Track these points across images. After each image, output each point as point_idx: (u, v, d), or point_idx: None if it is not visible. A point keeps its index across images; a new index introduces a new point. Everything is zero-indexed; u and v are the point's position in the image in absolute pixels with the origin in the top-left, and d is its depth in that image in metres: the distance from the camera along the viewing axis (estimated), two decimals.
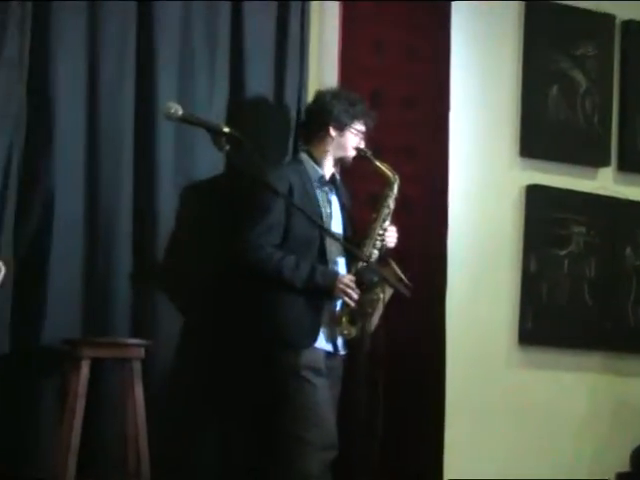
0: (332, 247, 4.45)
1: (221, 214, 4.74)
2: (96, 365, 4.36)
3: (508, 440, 5.38)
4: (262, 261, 4.35)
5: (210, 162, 4.74)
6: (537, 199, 5.54)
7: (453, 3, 5.19)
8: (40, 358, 4.44)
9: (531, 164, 5.56)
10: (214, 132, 3.78)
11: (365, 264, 4.33)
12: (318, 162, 4.57)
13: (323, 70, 5.15)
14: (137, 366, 4.40)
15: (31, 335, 4.44)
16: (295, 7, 5.00)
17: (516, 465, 5.34)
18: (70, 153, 4.55)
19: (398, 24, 5.16)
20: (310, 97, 4.86)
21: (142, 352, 4.41)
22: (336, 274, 4.40)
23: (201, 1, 4.82)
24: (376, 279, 4.32)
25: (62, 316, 4.49)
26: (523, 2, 5.55)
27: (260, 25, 4.95)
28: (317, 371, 4.34)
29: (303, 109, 4.91)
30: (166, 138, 4.70)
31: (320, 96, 4.62)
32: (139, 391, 4.39)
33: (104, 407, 4.49)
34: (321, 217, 4.47)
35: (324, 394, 4.34)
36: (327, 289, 4.36)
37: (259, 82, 4.93)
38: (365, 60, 5.14)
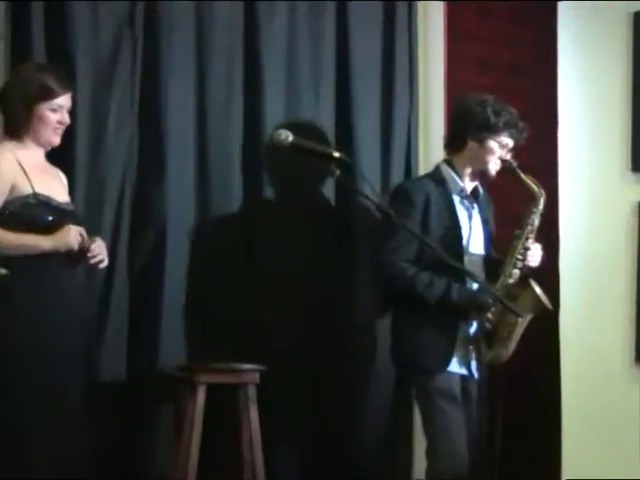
0: (471, 264, 4.22)
1: (333, 237, 4.76)
2: (211, 390, 4.39)
3: (627, 458, 5.26)
4: (395, 277, 4.16)
5: (320, 185, 4.75)
6: None
7: (559, 3, 5.10)
8: (156, 384, 4.51)
9: None
10: (324, 158, 3.78)
11: (481, 284, 4.12)
12: (459, 173, 4.31)
13: (429, 65, 5.12)
14: (252, 391, 4.42)
15: (147, 361, 4.51)
16: (401, 25, 5.00)
17: None
18: (181, 179, 4.62)
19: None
20: (420, 120, 4.85)
21: (257, 377, 4.43)
22: (473, 292, 4.16)
23: (306, 17, 4.85)
24: (490, 301, 4.11)
25: (176, 342, 4.55)
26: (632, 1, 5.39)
27: (366, 42, 4.95)
28: (450, 396, 4.14)
29: (413, 126, 4.88)
30: (274, 160, 4.70)
31: (464, 102, 4.35)
32: (254, 416, 4.41)
33: (220, 432, 4.52)
34: (458, 233, 4.24)
35: (456, 421, 4.14)
36: (463, 308, 4.14)
37: (366, 99, 4.92)
38: (469, 75, 5.09)
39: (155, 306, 4.52)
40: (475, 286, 4.18)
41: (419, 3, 5.06)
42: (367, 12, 4.94)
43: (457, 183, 4.30)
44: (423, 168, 5.01)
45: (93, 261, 3.94)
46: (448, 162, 4.34)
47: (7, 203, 3.84)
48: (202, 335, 4.60)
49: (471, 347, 4.17)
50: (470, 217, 4.32)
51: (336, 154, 3.76)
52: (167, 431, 4.51)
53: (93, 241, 3.94)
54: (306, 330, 4.72)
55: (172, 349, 4.53)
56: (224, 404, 4.50)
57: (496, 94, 5.04)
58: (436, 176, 4.32)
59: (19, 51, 4.38)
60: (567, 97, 5.21)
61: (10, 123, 3.95)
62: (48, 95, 3.91)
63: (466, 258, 4.22)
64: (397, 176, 4.95)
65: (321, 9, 4.86)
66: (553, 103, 5.13)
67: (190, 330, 4.58)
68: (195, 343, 4.59)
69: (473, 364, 4.23)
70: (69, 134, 4.27)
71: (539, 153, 5.13)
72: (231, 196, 4.70)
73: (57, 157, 4.25)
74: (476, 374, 4.26)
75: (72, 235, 3.87)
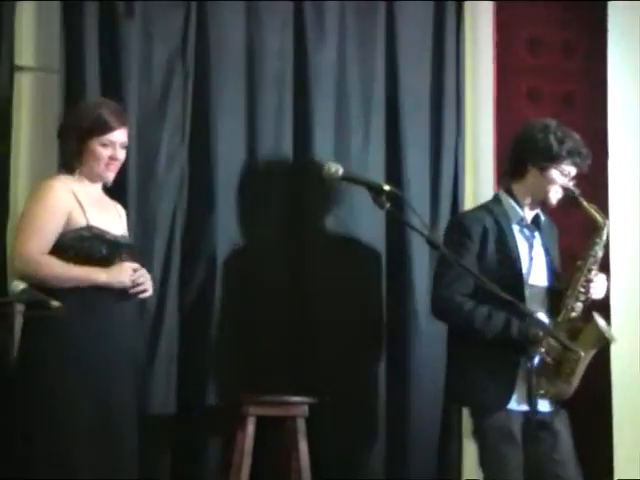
0: (532, 297, 4.07)
1: (383, 269, 4.77)
2: (260, 422, 4.40)
3: None
4: (452, 311, 4.05)
5: (370, 219, 4.74)
6: None
7: (609, 34, 5.06)
8: (206, 416, 4.51)
9: None
10: (375, 190, 3.77)
11: (530, 317, 3.91)
12: (519, 202, 4.17)
13: (478, 72, 5.09)
14: (301, 424, 4.41)
15: (197, 393, 4.51)
16: (450, 55, 5.00)
17: None
18: (231, 212, 4.64)
19: (553, 22, 5.07)
20: (468, 152, 4.83)
21: (306, 410, 4.43)
22: (528, 326, 3.97)
23: (356, 48, 4.85)
24: (540, 334, 3.96)
25: (226, 373, 4.56)
26: None
27: (415, 73, 4.95)
28: (508, 436, 4.00)
29: (460, 158, 4.87)
30: (323, 193, 4.72)
31: (528, 129, 4.19)
32: (304, 449, 4.41)
33: (269, 464, 4.52)
34: (517, 264, 4.09)
35: (513, 462, 4.00)
36: (523, 343, 3.96)
37: (415, 130, 4.91)
38: (519, 105, 5.06)
39: (205, 337, 4.54)
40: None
41: (468, 33, 5.06)
42: (416, 43, 4.96)
43: (517, 212, 4.18)
44: (471, 199, 5.01)
45: (133, 291, 3.93)
46: (508, 190, 4.22)
47: (62, 235, 3.86)
48: (252, 367, 4.60)
49: (533, 383, 3.99)
50: (531, 247, 4.18)
51: (386, 187, 3.74)
52: (217, 463, 4.51)
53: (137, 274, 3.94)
54: (356, 362, 4.71)
55: (222, 381, 4.54)
56: (274, 436, 4.50)
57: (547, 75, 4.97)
58: (494, 206, 4.21)
59: (73, 85, 4.42)
60: (617, 129, 5.17)
61: (65, 157, 3.99)
62: (100, 130, 3.93)
63: (527, 290, 4.09)
64: (445, 208, 4.94)
65: (370, 39, 4.88)
66: (604, 134, 5.10)
67: (240, 362, 4.59)
68: (245, 375, 4.59)
69: (537, 400, 4.02)
70: (120, 168, 4.32)
71: (590, 185, 5.10)
72: (280, 228, 4.71)
73: (109, 189, 4.30)
74: (541, 410, 4.08)
75: (125, 272, 3.89)
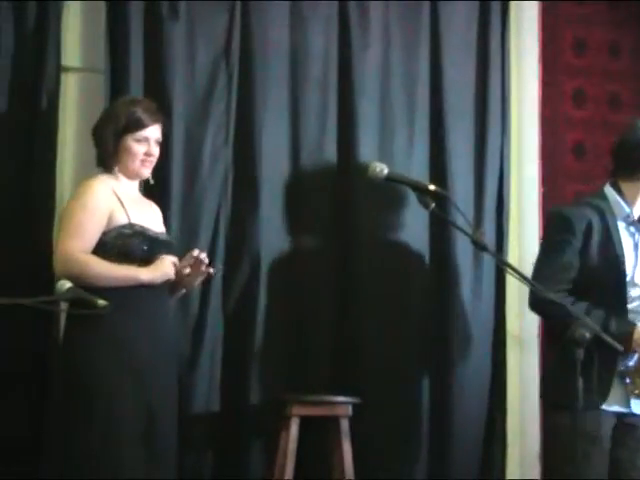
0: (636, 296, 4.00)
1: (428, 270, 4.75)
2: (304, 422, 4.39)
3: None
4: (549, 306, 3.88)
5: (412, 218, 4.73)
6: None
7: None
8: (249, 416, 4.51)
9: None
10: (420, 190, 3.75)
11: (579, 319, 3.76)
12: (627, 198, 4.07)
13: (523, 72, 5.05)
14: (345, 424, 4.40)
15: (240, 393, 4.52)
16: (495, 57, 4.95)
17: None
18: (274, 212, 4.64)
19: (599, 22, 5.03)
20: (513, 153, 4.81)
21: (349, 410, 4.41)
22: (634, 325, 3.90)
23: (400, 50, 4.84)
24: (588, 335, 3.71)
25: (270, 373, 4.55)
26: None
27: (459, 75, 4.92)
28: (595, 439, 3.89)
29: (505, 159, 4.85)
30: (367, 195, 4.71)
31: (637, 126, 4.10)
32: (347, 449, 4.39)
33: (312, 465, 4.51)
34: (621, 262, 3.99)
35: (599, 467, 3.90)
36: (621, 341, 3.78)
37: (459, 132, 4.89)
38: (564, 107, 5.03)
39: (249, 337, 4.54)
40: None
41: (513, 34, 5.03)
42: (460, 43, 4.93)
43: (623, 208, 4.07)
44: (515, 200, 4.98)
45: (205, 269, 3.95)
46: (614, 185, 4.12)
47: (104, 234, 3.89)
48: (296, 367, 4.60)
49: (628, 381, 3.94)
50: (636, 245, 4.08)
51: (431, 187, 3.73)
52: (260, 463, 4.51)
53: (189, 261, 3.95)
54: (400, 362, 4.70)
55: (266, 380, 4.54)
56: (317, 436, 4.49)
57: (592, 127, 4.97)
58: (600, 201, 4.09)
59: (117, 85, 4.45)
60: None
61: (102, 156, 4.00)
62: (134, 127, 3.96)
63: (631, 289, 4.00)
64: (490, 209, 4.90)
65: (414, 40, 4.86)
66: None
67: (284, 361, 4.59)
68: (289, 375, 4.59)
69: (633, 400, 3.97)
70: (164, 167, 4.35)
71: None
72: (324, 228, 4.71)
73: (153, 190, 4.32)
74: (636, 411, 3.99)
75: (168, 265, 3.91)
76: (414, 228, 4.76)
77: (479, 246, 3.76)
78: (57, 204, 4.36)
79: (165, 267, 3.90)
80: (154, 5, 4.53)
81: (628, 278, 4.03)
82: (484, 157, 4.91)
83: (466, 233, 3.77)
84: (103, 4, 4.50)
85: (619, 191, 4.10)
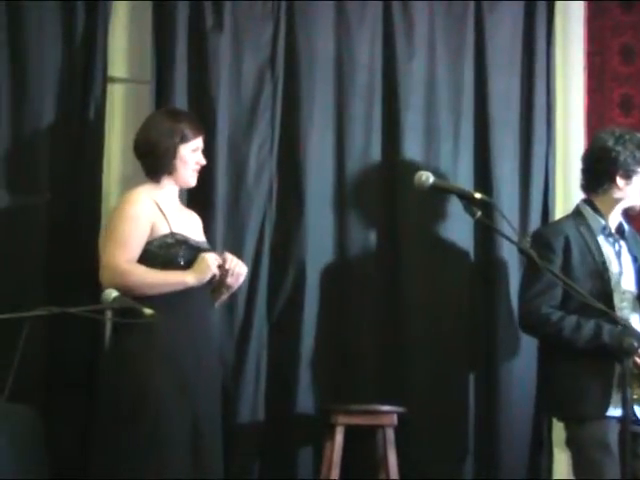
0: (623, 303, 4.10)
1: (472, 278, 4.74)
2: (350, 431, 4.38)
3: None
4: (540, 323, 4.07)
5: (459, 225, 4.71)
6: None
7: None
8: (294, 425, 4.52)
9: None
10: (465, 199, 3.74)
11: (625, 326, 3.83)
12: (601, 212, 4.20)
13: (569, 79, 5.03)
14: (390, 433, 4.38)
15: (285, 402, 4.52)
16: (540, 65, 4.92)
17: None
18: (320, 221, 4.65)
19: None
20: (559, 161, 4.78)
21: (395, 419, 4.40)
22: (621, 335, 3.84)
23: (445, 59, 4.82)
24: (636, 344, 3.74)
25: (315, 382, 4.56)
26: None
27: (504, 83, 4.88)
28: (604, 446, 3.98)
29: (551, 167, 4.83)
30: (414, 203, 4.69)
31: (601, 142, 4.22)
32: (392, 459, 4.37)
33: (358, 474, 4.51)
34: (605, 272, 4.09)
35: (611, 475, 3.94)
36: (616, 349, 3.85)
37: (504, 140, 4.86)
38: (611, 115, 5.00)
39: (294, 346, 4.55)
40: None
41: (558, 42, 5.00)
42: (505, 54, 4.90)
43: (599, 222, 4.21)
44: (561, 208, 4.95)
45: (230, 279, 4.00)
46: (588, 202, 4.25)
47: (147, 244, 3.93)
48: (340, 376, 4.60)
49: (627, 388, 3.81)
50: (618, 254, 4.20)
51: (477, 195, 3.71)
52: (306, 473, 4.51)
53: (225, 259, 3.99)
54: (446, 371, 4.68)
55: (310, 390, 4.54)
56: (363, 446, 4.48)
57: None
58: (576, 217, 4.24)
59: (163, 96, 4.48)
60: None
61: (155, 165, 4.04)
62: (191, 137, 4.04)
63: (617, 297, 4.10)
64: (535, 217, 4.88)
65: (459, 51, 4.85)
66: None
67: (329, 371, 4.59)
68: (333, 384, 4.58)
69: (633, 406, 4.01)
70: (209, 177, 4.38)
71: None
72: (370, 236, 4.70)
73: (199, 200, 4.34)
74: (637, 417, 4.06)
75: (209, 261, 3.93)
76: (460, 234, 4.75)
77: (525, 253, 3.77)
78: (103, 214, 4.39)
79: (207, 264, 3.92)
80: (199, 16, 4.57)
81: (613, 285, 4.10)
82: (529, 165, 4.88)
83: (512, 241, 3.79)
84: (149, 16, 4.54)
85: (593, 206, 4.20)
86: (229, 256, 4.02)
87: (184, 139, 4.02)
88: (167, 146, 4.00)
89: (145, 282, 3.86)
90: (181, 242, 3.95)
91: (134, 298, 3.70)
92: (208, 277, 3.93)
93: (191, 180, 4.09)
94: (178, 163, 4.02)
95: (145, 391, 3.78)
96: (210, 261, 3.93)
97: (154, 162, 4.03)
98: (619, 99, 5.04)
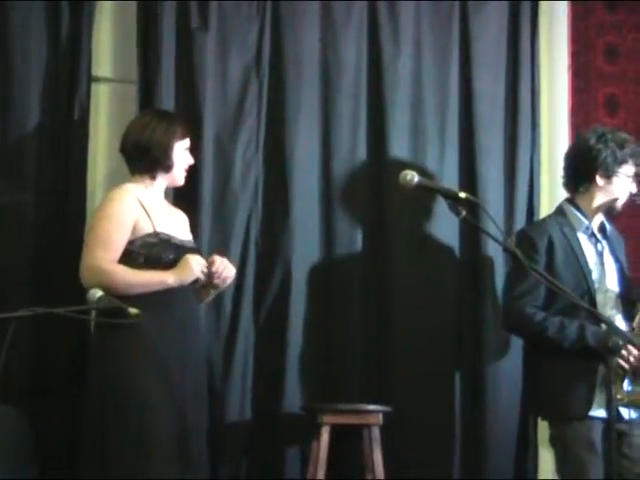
0: (606, 302, 4.11)
1: (458, 277, 4.75)
2: (336, 430, 4.38)
3: None
4: (523, 324, 4.08)
5: (445, 225, 4.71)
6: None
7: None
8: (280, 425, 4.52)
9: None
10: (450, 198, 3.74)
11: (610, 326, 3.90)
12: (583, 212, 4.21)
13: (554, 78, 5.03)
14: (376, 432, 4.39)
15: (272, 401, 4.53)
16: (525, 66, 4.93)
17: None
18: (306, 221, 4.65)
19: (631, 28, 5.02)
20: (544, 160, 4.80)
21: (381, 418, 4.40)
22: (605, 334, 3.92)
23: (431, 59, 4.83)
24: (621, 343, 3.85)
25: (301, 382, 4.56)
26: None
27: (489, 83, 4.89)
28: (589, 445, 3.99)
29: (536, 168, 4.84)
30: (400, 202, 4.69)
31: (582, 141, 4.24)
32: (378, 458, 4.38)
33: (345, 473, 4.51)
34: (587, 271, 4.11)
35: (595, 473, 3.96)
36: (600, 350, 3.89)
37: (490, 140, 4.86)
38: (596, 115, 5.01)
39: (280, 346, 4.55)
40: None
41: (542, 42, 5.01)
42: (490, 54, 4.91)
43: (581, 221, 4.22)
44: (547, 208, 4.95)
45: (217, 281, 4.00)
46: (570, 201, 4.26)
47: (129, 243, 3.93)
48: (327, 375, 4.60)
49: (612, 387, 3.86)
50: (600, 254, 4.21)
51: (462, 194, 3.72)
52: (293, 472, 4.51)
53: (213, 262, 3.99)
54: (432, 370, 4.68)
55: (297, 389, 4.55)
56: (349, 445, 4.48)
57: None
58: (558, 217, 4.25)
59: (149, 96, 4.48)
60: None
61: (148, 166, 4.04)
62: (183, 136, 4.06)
63: (600, 296, 4.11)
64: (520, 217, 4.88)
65: (445, 51, 4.86)
66: None
67: (316, 370, 4.59)
68: (320, 383, 4.59)
69: (617, 406, 3.99)
70: (196, 176, 4.38)
71: None
72: (356, 235, 4.71)
73: (185, 198, 4.34)
74: (624, 415, 4.02)
75: (193, 264, 3.93)
76: (447, 233, 4.75)
77: (510, 253, 3.73)
78: (89, 213, 4.39)
79: (190, 266, 3.92)
80: (185, 16, 4.57)
81: (596, 285, 4.12)
82: (515, 164, 4.89)
83: (497, 240, 3.80)
84: (134, 16, 4.54)
85: (575, 205, 4.21)
86: (218, 258, 4.02)
87: (178, 138, 4.04)
88: (166, 145, 4.01)
89: (125, 282, 3.85)
90: (165, 241, 3.95)
91: (116, 297, 3.70)
92: (190, 279, 3.93)
93: (181, 179, 4.11)
94: (174, 161, 4.04)
95: (130, 390, 3.78)
96: (194, 264, 3.93)
97: (150, 161, 4.02)
98: (604, 99, 5.06)
